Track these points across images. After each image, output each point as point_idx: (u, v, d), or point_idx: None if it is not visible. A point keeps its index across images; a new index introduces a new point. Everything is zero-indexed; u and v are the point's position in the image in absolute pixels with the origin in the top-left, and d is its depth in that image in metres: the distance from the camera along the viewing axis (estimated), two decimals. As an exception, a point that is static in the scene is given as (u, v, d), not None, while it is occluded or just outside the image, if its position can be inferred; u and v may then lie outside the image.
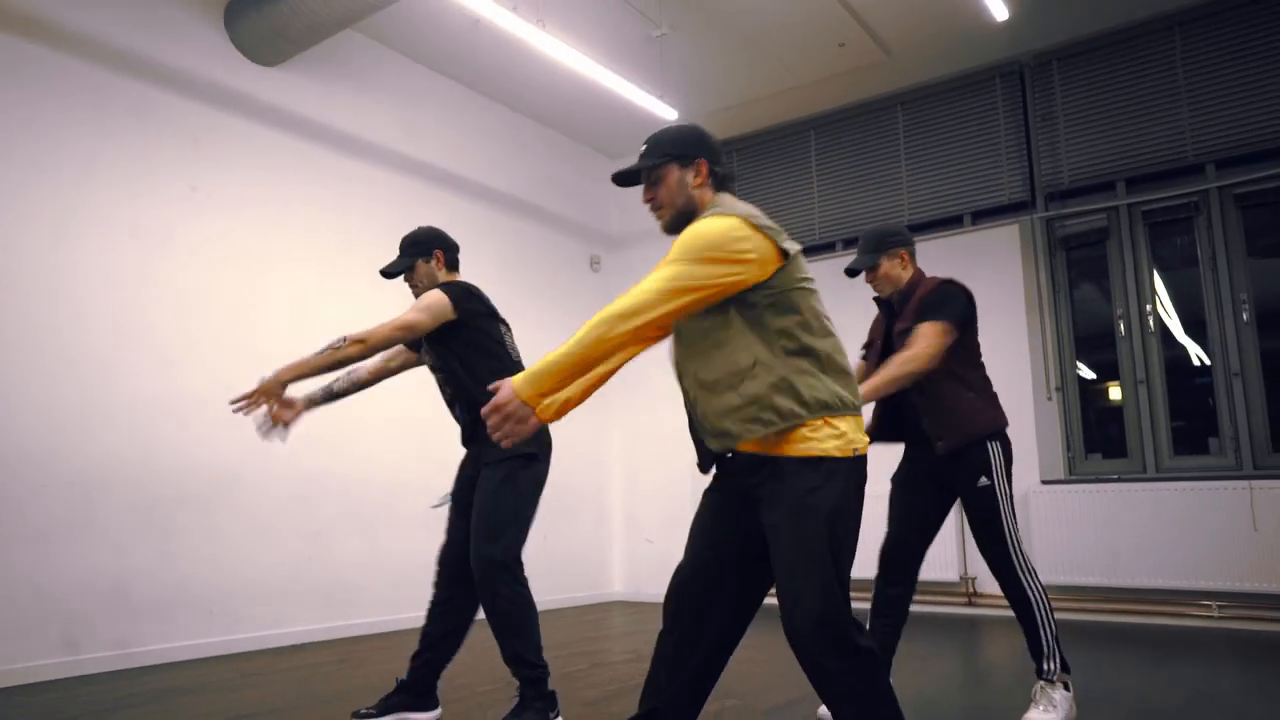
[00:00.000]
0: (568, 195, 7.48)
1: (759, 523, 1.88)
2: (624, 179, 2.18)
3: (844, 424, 1.86)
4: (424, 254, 3.20)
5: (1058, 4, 5.75)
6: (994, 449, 3.02)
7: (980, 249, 6.43)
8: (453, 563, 3.03)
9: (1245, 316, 5.55)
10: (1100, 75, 6.15)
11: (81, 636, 4.11)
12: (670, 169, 2.09)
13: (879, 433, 3.20)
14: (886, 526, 3.21)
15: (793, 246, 1.94)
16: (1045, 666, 2.92)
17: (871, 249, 3.18)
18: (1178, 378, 5.83)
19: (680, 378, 2.02)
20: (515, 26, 4.61)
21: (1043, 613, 2.95)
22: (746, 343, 1.88)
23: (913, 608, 3.20)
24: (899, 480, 3.21)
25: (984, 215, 6.54)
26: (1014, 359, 6.15)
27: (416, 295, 3.16)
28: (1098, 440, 6.05)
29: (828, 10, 5.66)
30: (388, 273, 3.18)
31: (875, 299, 3.29)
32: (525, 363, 2.81)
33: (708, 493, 2.03)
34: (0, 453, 3.95)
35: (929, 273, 3.26)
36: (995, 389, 3.28)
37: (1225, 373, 5.57)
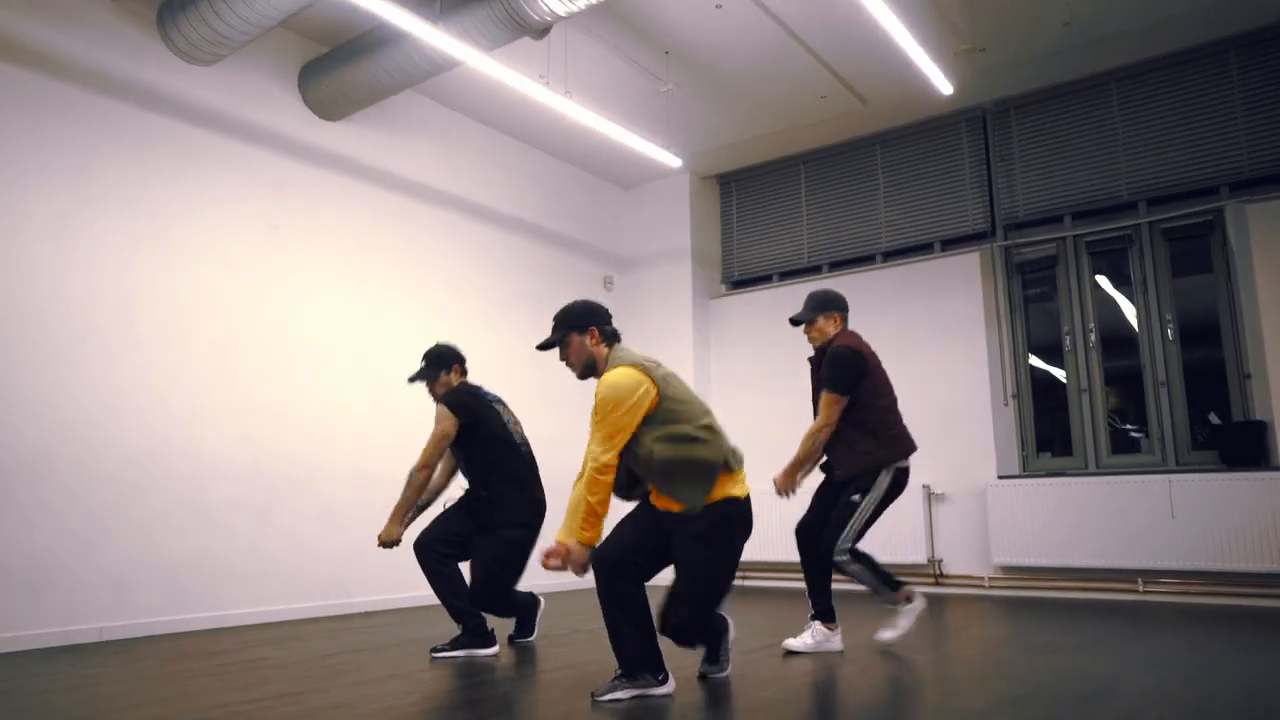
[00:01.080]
0: (584, 222, 8.40)
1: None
2: (544, 347, 3.22)
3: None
4: (445, 368, 4.23)
5: (1015, 60, 6.65)
6: (883, 477, 3.91)
7: (947, 273, 7.32)
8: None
9: (1170, 334, 6.44)
10: (1051, 122, 7.06)
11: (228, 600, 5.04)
12: (573, 337, 3.16)
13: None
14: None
15: (660, 376, 3.05)
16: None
17: (814, 308, 4.13)
18: (1116, 386, 6.72)
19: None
20: (546, 96, 5.53)
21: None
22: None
23: None
24: (820, 488, 4.13)
25: (951, 243, 7.45)
26: (975, 369, 7.03)
27: (435, 400, 4.14)
28: (1047, 441, 6.94)
29: (810, 68, 6.57)
30: (413, 379, 4.25)
31: (809, 358, 4.19)
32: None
33: None
34: (155, 449, 4.88)
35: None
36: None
37: (1154, 382, 6.46)
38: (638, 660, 2.92)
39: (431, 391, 4.25)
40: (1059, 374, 6.91)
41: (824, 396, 3.93)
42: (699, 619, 3.05)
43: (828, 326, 4.10)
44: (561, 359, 3.19)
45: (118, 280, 4.99)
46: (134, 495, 4.88)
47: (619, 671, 2.95)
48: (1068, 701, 2.83)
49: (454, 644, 4.04)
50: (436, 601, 4.58)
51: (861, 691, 3.13)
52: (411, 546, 4.12)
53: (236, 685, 3.34)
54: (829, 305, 4.12)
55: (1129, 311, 6.70)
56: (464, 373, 4.32)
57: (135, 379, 4.98)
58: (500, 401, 4.31)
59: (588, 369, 3.14)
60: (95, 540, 4.70)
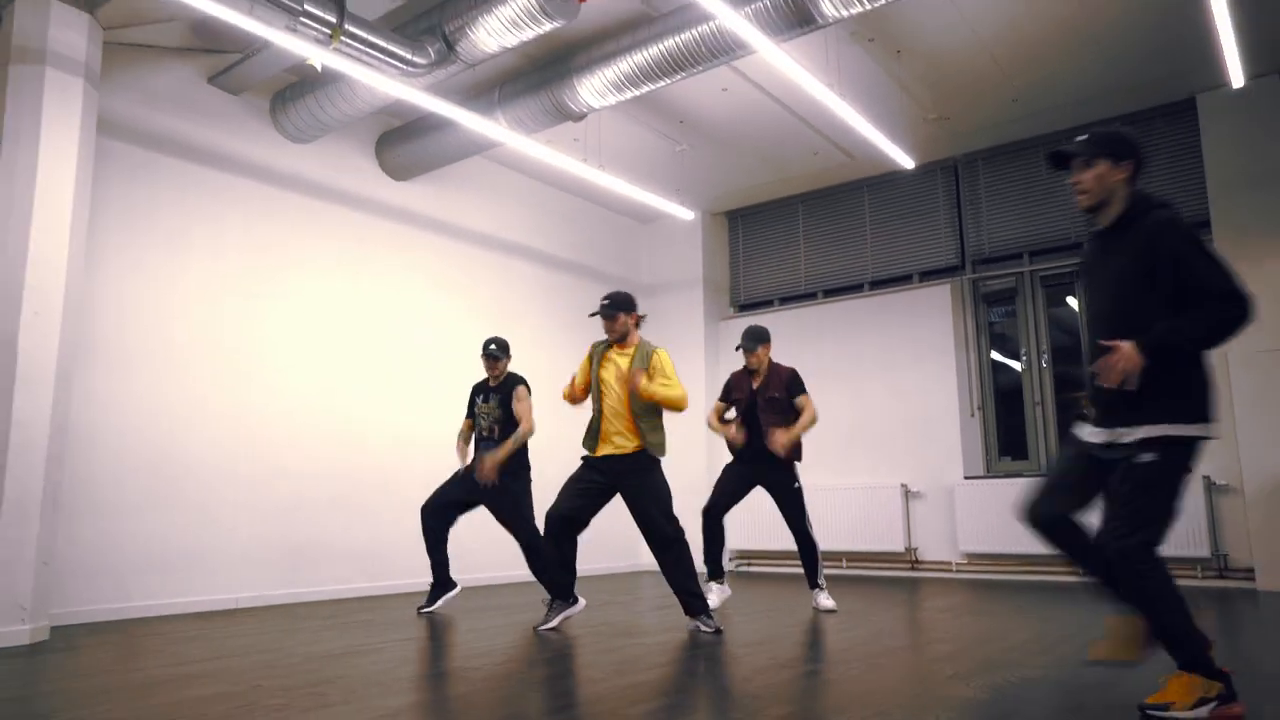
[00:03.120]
0: (609, 255, 9.63)
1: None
2: (604, 313, 4.69)
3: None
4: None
5: (976, 125, 7.81)
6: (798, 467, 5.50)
7: (923, 300, 8.50)
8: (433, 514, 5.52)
9: (1108, 356, 7.58)
10: (1012, 172, 8.23)
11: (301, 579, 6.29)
12: (620, 315, 4.72)
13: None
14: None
15: None
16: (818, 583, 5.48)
17: (756, 338, 5.59)
18: (1062, 401, 7.89)
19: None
20: (582, 169, 6.76)
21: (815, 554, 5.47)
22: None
23: (866, 571, 5.41)
24: (727, 469, 5.58)
25: (926, 275, 8.63)
26: (945, 385, 8.21)
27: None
28: (1007, 445, 8.12)
29: (803, 133, 7.77)
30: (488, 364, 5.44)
31: (746, 370, 5.62)
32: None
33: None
34: (254, 452, 6.14)
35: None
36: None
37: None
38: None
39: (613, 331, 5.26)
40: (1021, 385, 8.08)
41: (804, 398, 5.49)
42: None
43: (765, 354, 5.57)
44: (607, 326, 4.65)
45: (259, 319, 6.27)
46: (260, 490, 6.14)
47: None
48: (963, 641, 4.03)
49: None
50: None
51: (835, 635, 4.34)
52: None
53: (358, 636, 4.58)
54: (766, 338, 5.62)
55: (1076, 337, 7.87)
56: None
57: (276, 398, 6.25)
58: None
59: (621, 338, 4.66)
60: (243, 525, 5.96)
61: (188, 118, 6.10)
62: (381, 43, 5.25)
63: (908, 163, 7.16)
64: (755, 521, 8.44)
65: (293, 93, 6.42)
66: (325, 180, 6.91)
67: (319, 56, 5.20)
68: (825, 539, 8.04)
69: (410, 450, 7.17)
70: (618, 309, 4.64)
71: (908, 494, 8.20)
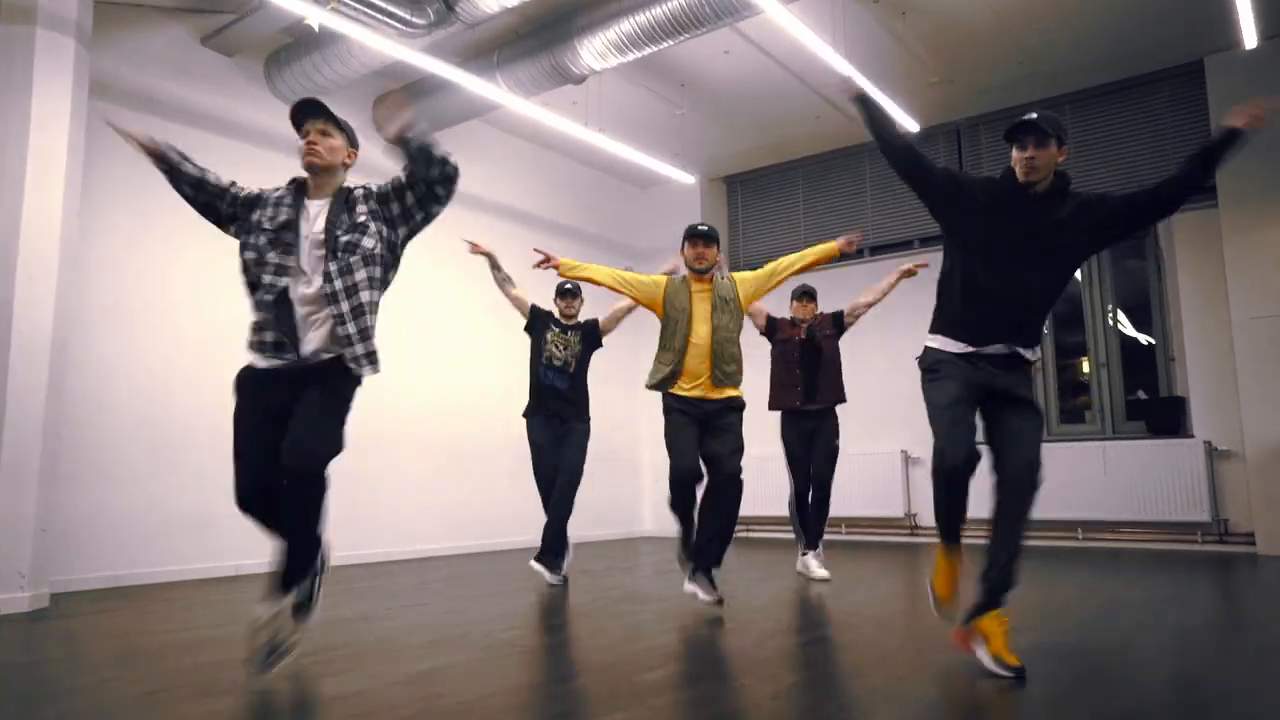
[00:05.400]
0: (607, 220, 9.54)
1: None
2: (713, 238, 4.24)
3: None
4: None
5: (980, 88, 7.72)
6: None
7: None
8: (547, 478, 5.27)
9: (1110, 321, 7.58)
10: (1014, 136, 8.14)
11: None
12: (716, 248, 4.29)
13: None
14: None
15: None
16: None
17: (810, 292, 5.64)
18: (1063, 368, 7.89)
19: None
20: (581, 132, 6.66)
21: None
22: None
23: (865, 537, 5.37)
24: (792, 442, 5.56)
25: (928, 240, 8.57)
26: (946, 351, 8.18)
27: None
28: (1007, 412, 8.10)
29: (805, 96, 7.67)
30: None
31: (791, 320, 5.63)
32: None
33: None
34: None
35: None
36: None
37: (1095, 363, 7.62)
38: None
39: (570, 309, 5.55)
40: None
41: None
42: None
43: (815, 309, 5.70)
44: (705, 254, 4.16)
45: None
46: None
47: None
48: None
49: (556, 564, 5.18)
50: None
51: (831, 601, 4.35)
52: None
53: (370, 601, 4.58)
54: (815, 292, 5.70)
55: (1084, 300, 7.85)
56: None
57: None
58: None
59: (709, 268, 4.22)
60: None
61: (181, 80, 5.98)
62: (380, 2, 5.15)
63: (912, 125, 7.08)
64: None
65: (288, 54, 6.29)
66: (321, 144, 6.80)
67: (316, 16, 5.09)
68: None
69: (404, 414, 7.13)
70: (715, 238, 4.25)
71: (908, 460, 8.21)
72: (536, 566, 5.13)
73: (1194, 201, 7.26)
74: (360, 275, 2.84)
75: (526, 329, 5.49)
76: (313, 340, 2.82)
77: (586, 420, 5.32)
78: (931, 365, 3.10)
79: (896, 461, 8.15)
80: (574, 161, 9.13)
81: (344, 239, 2.85)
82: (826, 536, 5.71)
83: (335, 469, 2.83)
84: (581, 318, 5.53)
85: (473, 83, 6.10)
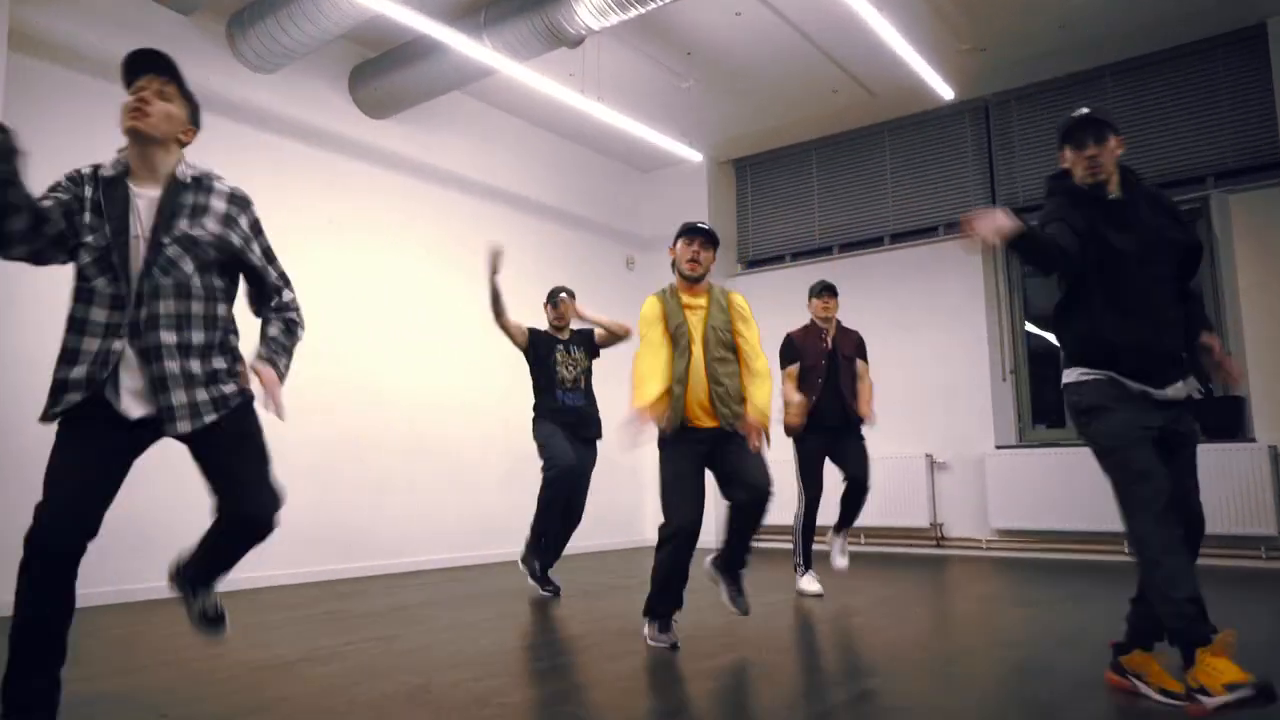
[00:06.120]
0: (607, 206, 8.88)
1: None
2: (713, 238, 3.83)
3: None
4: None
5: (1014, 58, 7.07)
6: None
7: (950, 255, 7.79)
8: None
9: (1157, 314, 6.90)
10: (1050, 112, 7.48)
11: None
12: (713, 252, 3.76)
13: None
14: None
15: None
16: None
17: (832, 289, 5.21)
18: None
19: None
20: (578, 101, 6.00)
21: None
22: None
23: (888, 548, 4.78)
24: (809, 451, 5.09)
25: (954, 226, 7.91)
26: (974, 348, 7.52)
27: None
28: (1042, 413, 7.46)
29: (823, 66, 7.01)
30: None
31: (809, 329, 5.19)
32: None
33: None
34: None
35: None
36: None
37: (1141, 359, 6.94)
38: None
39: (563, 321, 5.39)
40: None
41: (863, 366, 5.25)
42: None
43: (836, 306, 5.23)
44: (701, 257, 3.73)
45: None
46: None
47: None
48: (1047, 645, 3.39)
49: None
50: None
51: (869, 636, 3.69)
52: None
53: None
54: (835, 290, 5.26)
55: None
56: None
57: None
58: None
59: (698, 279, 3.77)
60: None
61: (127, 39, 5.32)
62: (345, -57, 4.50)
63: (946, 93, 6.40)
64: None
65: (252, 13, 5.64)
66: (292, 116, 6.15)
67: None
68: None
69: (381, 410, 6.49)
70: (717, 242, 3.83)
71: (933, 465, 7.55)
72: (531, 582, 5.09)
73: (1252, 178, 6.60)
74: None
75: (526, 354, 5.27)
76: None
77: (601, 435, 5.35)
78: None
79: (921, 466, 7.48)
80: (571, 141, 8.47)
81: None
82: (849, 549, 5.24)
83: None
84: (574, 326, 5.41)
85: (457, 41, 5.43)
